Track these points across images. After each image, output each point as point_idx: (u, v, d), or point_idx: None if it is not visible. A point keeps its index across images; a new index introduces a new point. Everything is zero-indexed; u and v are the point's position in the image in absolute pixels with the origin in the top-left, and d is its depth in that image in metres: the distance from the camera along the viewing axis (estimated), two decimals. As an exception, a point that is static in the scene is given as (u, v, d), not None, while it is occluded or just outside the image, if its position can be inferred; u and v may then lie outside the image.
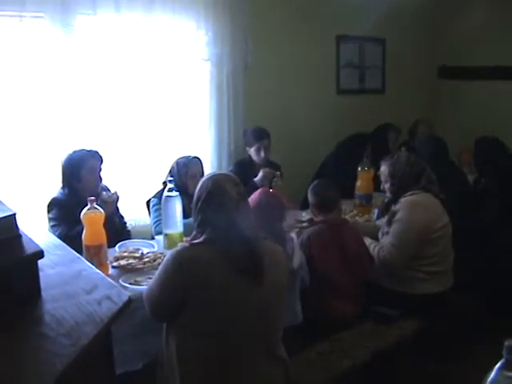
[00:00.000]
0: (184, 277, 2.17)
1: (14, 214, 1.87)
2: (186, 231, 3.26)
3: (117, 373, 2.28)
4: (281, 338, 2.37)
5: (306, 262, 3.10)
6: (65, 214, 3.40)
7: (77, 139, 3.96)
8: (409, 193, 3.43)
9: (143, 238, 3.63)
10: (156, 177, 4.18)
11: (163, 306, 2.29)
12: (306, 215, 3.72)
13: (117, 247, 3.29)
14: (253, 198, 2.91)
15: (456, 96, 6.31)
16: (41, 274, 1.86)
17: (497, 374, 1.17)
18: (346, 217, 3.80)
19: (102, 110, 4.19)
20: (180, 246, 2.33)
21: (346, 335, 3.15)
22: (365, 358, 2.98)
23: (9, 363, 1.47)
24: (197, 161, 3.88)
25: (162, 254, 3.15)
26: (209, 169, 4.53)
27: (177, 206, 3.28)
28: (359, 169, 4.33)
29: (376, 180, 3.90)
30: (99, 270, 2.24)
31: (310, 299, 3.13)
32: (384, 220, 3.57)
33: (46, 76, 3.87)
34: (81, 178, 3.52)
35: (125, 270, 2.98)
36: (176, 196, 3.28)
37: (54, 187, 3.67)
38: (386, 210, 3.65)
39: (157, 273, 2.30)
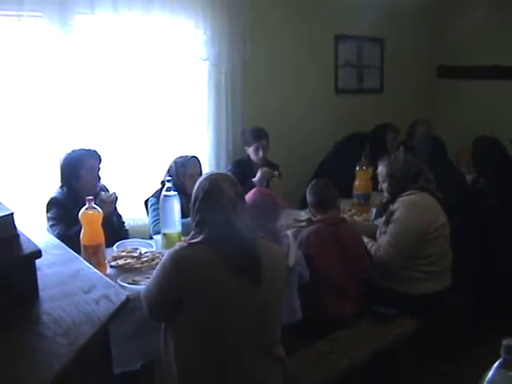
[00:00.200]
0: (181, 276, 2.17)
1: (12, 214, 1.87)
2: (184, 231, 3.27)
3: (115, 372, 2.27)
4: (279, 338, 2.37)
5: (303, 259, 3.10)
6: (63, 214, 3.40)
7: (75, 139, 3.96)
8: (406, 193, 3.43)
9: (141, 238, 3.64)
10: (154, 176, 4.18)
11: (161, 305, 2.28)
12: (304, 215, 3.73)
13: (115, 247, 3.29)
14: (247, 197, 2.91)
15: (455, 96, 6.31)
16: (38, 273, 1.85)
17: (495, 374, 1.17)
18: (345, 216, 3.80)
19: (100, 109, 4.19)
20: (178, 245, 2.33)
21: (345, 334, 3.15)
22: (364, 358, 2.98)
23: (6, 363, 1.47)
24: (195, 160, 3.88)
25: (160, 253, 3.15)
26: (207, 168, 4.52)
27: (175, 206, 3.28)
28: (357, 168, 4.33)
29: (374, 179, 3.90)
30: (97, 269, 2.24)
31: (309, 298, 3.12)
32: (382, 220, 3.57)
33: (45, 75, 3.87)
34: (79, 177, 3.51)
35: (123, 270, 2.98)
36: (174, 195, 3.28)
37: (52, 186, 3.66)
38: (383, 209, 3.65)
39: (154, 272, 2.29)
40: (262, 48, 4.86)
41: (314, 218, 3.42)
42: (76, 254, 2.28)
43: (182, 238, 3.24)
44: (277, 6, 5.00)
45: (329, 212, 3.35)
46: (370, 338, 3.13)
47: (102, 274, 2.10)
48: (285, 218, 3.57)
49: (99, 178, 3.62)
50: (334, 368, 2.87)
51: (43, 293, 1.83)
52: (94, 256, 2.86)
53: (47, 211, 3.47)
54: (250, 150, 4.48)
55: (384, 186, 3.59)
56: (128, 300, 1.86)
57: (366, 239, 3.49)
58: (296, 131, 5.20)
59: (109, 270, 2.98)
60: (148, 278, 2.67)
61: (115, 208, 3.66)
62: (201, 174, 3.69)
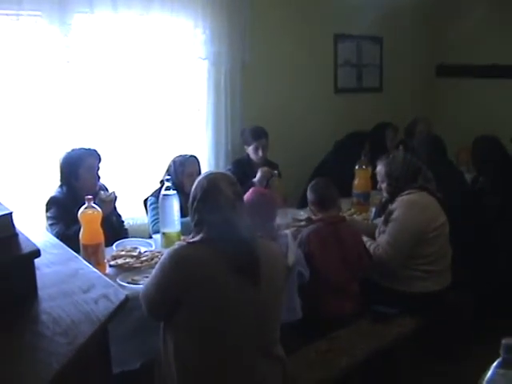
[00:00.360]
0: (180, 275, 2.17)
1: (11, 213, 1.87)
2: (184, 230, 3.27)
3: (115, 372, 2.27)
4: (278, 337, 2.37)
5: (303, 258, 3.10)
6: (63, 213, 3.40)
7: (75, 138, 3.96)
8: (405, 192, 3.42)
9: (141, 237, 3.64)
10: (153, 175, 4.17)
11: (160, 304, 2.28)
12: (303, 214, 3.73)
13: (114, 246, 3.29)
14: (245, 197, 2.91)
15: (454, 95, 6.31)
16: (37, 272, 1.85)
17: (494, 373, 1.17)
18: (344, 215, 3.80)
19: (99, 108, 4.19)
20: (177, 244, 2.32)
21: (345, 333, 3.14)
22: (364, 357, 2.98)
23: (5, 362, 1.46)
24: (193, 159, 3.88)
25: (159, 252, 3.15)
26: (206, 168, 4.52)
27: (174, 205, 3.27)
28: (357, 167, 4.32)
29: (374, 178, 3.89)
30: (96, 269, 2.23)
31: (309, 297, 3.12)
32: (381, 219, 3.57)
33: (44, 75, 3.87)
34: (79, 176, 3.51)
35: (122, 269, 2.98)
36: (173, 195, 3.28)
37: (52, 186, 3.66)
38: (383, 209, 3.64)
39: (153, 271, 2.29)
40: (262, 47, 4.86)
41: (314, 217, 3.42)
42: (75, 254, 2.27)
43: (182, 237, 3.24)
44: (276, 6, 5.00)
45: (329, 211, 3.35)
46: (369, 337, 3.13)
47: (101, 274, 2.09)
48: (284, 218, 3.58)
49: (99, 178, 3.62)
50: (333, 367, 2.86)
51: (42, 292, 1.82)
52: (93, 255, 2.85)
53: (46, 210, 3.47)
54: (250, 150, 4.47)
55: (383, 185, 3.58)
56: (127, 299, 1.85)
57: (365, 238, 3.48)
58: (295, 130, 5.20)
59: (108, 270, 2.98)
60: (147, 277, 2.66)
61: (114, 207, 3.66)
62: (199, 173, 3.68)
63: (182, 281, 2.17)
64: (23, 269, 1.80)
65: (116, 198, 3.51)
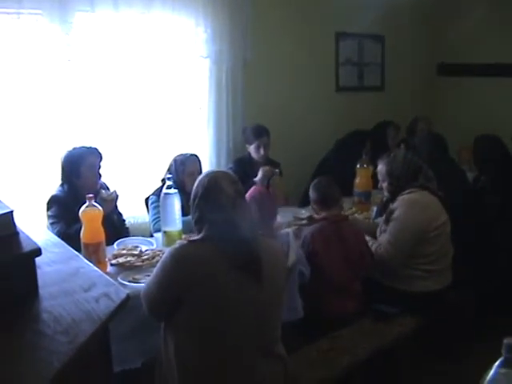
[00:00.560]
0: (181, 274, 2.17)
1: (12, 212, 1.87)
2: (185, 228, 3.27)
3: (116, 370, 2.28)
4: (279, 336, 2.36)
5: (304, 257, 3.10)
6: (64, 212, 3.40)
7: (76, 136, 3.96)
8: (406, 191, 3.42)
9: (142, 236, 3.63)
10: (155, 174, 4.17)
11: (160, 303, 2.28)
12: (305, 212, 3.72)
13: (115, 245, 3.29)
14: (246, 195, 2.91)
15: (455, 93, 6.31)
16: (38, 271, 1.85)
17: (496, 373, 1.17)
18: (346, 214, 3.80)
19: (101, 107, 4.19)
20: (178, 243, 2.32)
21: (347, 333, 3.14)
22: (365, 356, 2.97)
23: (6, 361, 1.46)
24: (194, 158, 3.87)
25: (160, 251, 3.15)
26: (207, 166, 4.52)
27: (175, 204, 3.27)
28: (358, 166, 4.32)
29: (375, 177, 3.89)
30: (98, 267, 2.23)
31: (311, 296, 3.12)
32: (382, 218, 3.57)
33: (45, 73, 3.87)
34: (80, 174, 3.51)
35: (123, 268, 2.98)
36: (175, 193, 3.28)
37: (53, 184, 3.66)
38: (384, 208, 3.64)
39: (155, 270, 2.29)
40: (263, 46, 4.85)
41: (316, 216, 3.42)
42: (76, 252, 2.27)
43: (183, 236, 3.24)
44: (278, 4, 5.00)
45: (331, 209, 3.35)
46: (370, 336, 3.13)
47: (102, 272, 2.09)
48: (285, 216, 3.58)
49: (100, 176, 3.62)
50: (335, 366, 2.86)
51: (43, 291, 1.82)
52: (94, 254, 2.85)
53: (47, 209, 3.47)
54: (251, 148, 4.47)
55: (384, 184, 3.58)
56: (128, 298, 1.85)
57: (367, 237, 3.48)
58: (297, 129, 5.19)
59: (109, 268, 2.98)
60: (149, 275, 2.66)
61: (116, 206, 3.66)
62: (200, 172, 3.68)
63: (183, 279, 2.16)
64: (24, 267, 1.79)
65: (117, 196, 3.50)
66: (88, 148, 3.59)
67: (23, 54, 3.74)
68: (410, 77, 6.29)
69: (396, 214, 3.38)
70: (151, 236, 3.61)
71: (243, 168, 4.32)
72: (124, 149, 4.34)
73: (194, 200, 2.31)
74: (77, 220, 3.01)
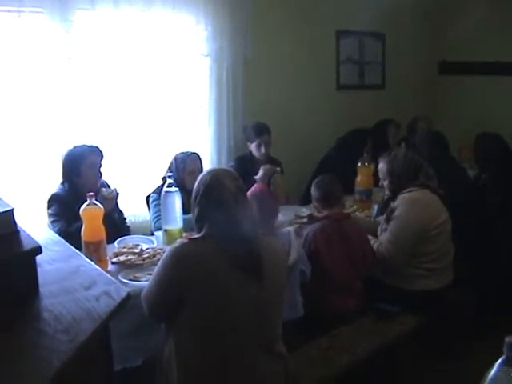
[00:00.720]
0: (182, 273, 2.16)
1: (12, 210, 1.86)
2: (186, 227, 3.26)
3: (117, 369, 2.28)
4: (280, 334, 2.36)
5: (305, 255, 3.10)
6: (64, 210, 3.39)
7: (77, 135, 3.96)
8: (407, 189, 3.42)
9: (143, 234, 3.63)
10: (156, 172, 4.17)
11: (161, 304, 2.27)
12: (306, 211, 3.71)
13: (116, 243, 3.28)
14: (248, 193, 2.90)
15: (456, 92, 6.30)
16: (39, 269, 1.85)
17: (497, 371, 1.16)
18: (348, 212, 3.79)
19: (101, 105, 4.19)
20: (178, 242, 2.31)
21: (347, 331, 3.14)
22: (365, 355, 2.97)
23: (6, 360, 1.46)
24: (195, 156, 3.87)
25: (161, 249, 3.14)
26: (208, 164, 4.52)
27: (176, 202, 3.27)
28: (359, 164, 4.32)
29: (376, 175, 3.89)
30: (98, 266, 2.23)
31: (313, 294, 3.13)
32: (383, 217, 3.56)
33: (45, 71, 3.86)
34: (81, 173, 3.51)
35: (124, 266, 2.98)
36: (175, 191, 3.27)
37: (53, 183, 3.66)
38: (385, 207, 3.64)
39: (155, 270, 2.28)
40: (264, 44, 4.85)
41: (318, 214, 3.41)
42: (77, 251, 2.27)
43: (184, 234, 3.24)
44: (278, 2, 5.00)
45: (334, 208, 3.35)
46: (371, 335, 3.13)
47: (102, 271, 2.09)
48: (286, 215, 3.57)
49: (101, 175, 3.61)
50: (334, 365, 2.86)
51: (43, 289, 1.82)
52: (94, 252, 2.85)
53: (48, 207, 3.47)
54: (253, 146, 4.46)
55: (385, 183, 3.58)
56: (129, 297, 1.85)
57: (368, 236, 3.48)
58: (297, 127, 5.19)
59: (110, 267, 2.97)
60: (149, 274, 2.66)
61: (117, 204, 3.66)
62: (201, 170, 3.68)
63: (184, 278, 2.16)
64: (24, 266, 1.79)
65: (118, 194, 3.50)
66: (89, 146, 3.59)
67: (24, 53, 3.73)
68: (411, 75, 6.28)
69: (397, 212, 3.38)
70: (152, 234, 3.61)
71: (244, 166, 4.31)
72: (125, 147, 4.34)
73: (196, 198, 2.30)
74: (77, 218, 3.01)
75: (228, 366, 2.20)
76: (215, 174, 2.31)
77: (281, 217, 3.27)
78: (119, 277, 2.77)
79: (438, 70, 6.55)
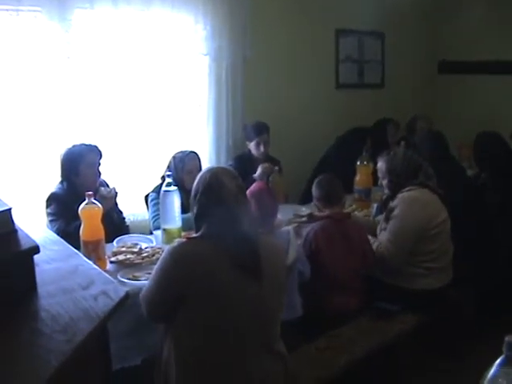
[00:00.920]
0: (181, 272, 2.15)
1: (10, 209, 1.86)
2: (185, 226, 3.26)
3: (116, 368, 2.27)
4: (279, 333, 2.36)
5: (304, 255, 3.09)
6: (63, 209, 3.39)
7: (76, 134, 3.95)
8: (406, 189, 3.41)
9: (142, 233, 3.63)
10: (155, 171, 4.16)
11: (159, 304, 2.26)
12: (305, 210, 3.71)
13: (115, 242, 3.28)
14: (247, 192, 2.90)
15: (456, 91, 6.30)
16: (37, 269, 1.84)
17: (497, 371, 1.16)
18: (349, 211, 3.79)
19: (100, 104, 4.18)
20: (177, 241, 2.31)
21: (346, 330, 3.13)
22: (363, 354, 2.97)
23: (3, 359, 1.46)
24: (194, 156, 3.86)
25: (160, 248, 3.14)
26: (207, 163, 4.51)
27: (175, 201, 3.26)
28: (358, 163, 4.31)
29: (375, 174, 3.88)
30: (97, 265, 2.23)
31: (314, 294, 3.12)
32: (382, 216, 3.56)
33: (44, 70, 3.86)
34: (79, 172, 3.50)
35: (123, 265, 2.97)
36: (174, 191, 3.27)
37: (52, 182, 3.65)
38: (384, 206, 3.63)
39: (154, 269, 2.27)
40: (263, 42, 4.84)
41: (319, 213, 3.40)
42: (75, 250, 2.26)
43: (182, 234, 3.23)
44: (277, 1, 4.99)
45: (335, 207, 3.34)
46: (369, 334, 3.11)
47: (100, 270, 2.08)
48: (285, 214, 3.57)
49: (99, 174, 3.61)
50: (334, 364, 2.85)
51: (41, 289, 1.82)
52: (93, 252, 2.84)
53: (47, 206, 3.46)
54: (252, 145, 4.46)
55: (384, 182, 3.57)
56: (127, 296, 1.84)
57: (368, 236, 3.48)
58: (296, 126, 5.19)
59: (109, 266, 2.97)
60: (148, 273, 2.66)
61: (116, 204, 3.66)
62: (200, 169, 3.66)
63: (182, 278, 2.15)
64: (22, 265, 1.79)
65: (117, 194, 3.50)
66: (88, 146, 3.58)
67: (22, 52, 3.73)
68: (411, 74, 6.28)
69: (396, 212, 3.37)
70: (151, 233, 3.60)
71: (243, 165, 4.30)
72: (124, 146, 4.33)
73: (195, 196, 2.30)
74: (76, 217, 3.00)
75: (229, 365, 2.19)
76: (214, 173, 2.30)
77: (280, 216, 3.26)
78: (118, 276, 2.77)
79: (438, 69, 6.55)
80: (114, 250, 3.14)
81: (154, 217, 3.67)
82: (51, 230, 3.19)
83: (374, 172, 3.92)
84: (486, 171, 4.45)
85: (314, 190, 3.43)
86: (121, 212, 3.86)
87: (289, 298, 2.85)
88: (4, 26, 3.65)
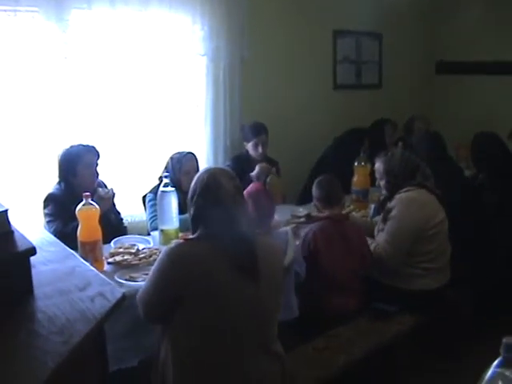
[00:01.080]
0: (178, 273, 2.15)
1: (6, 210, 1.85)
2: (182, 227, 3.25)
3: (113, 369, 2.27)
4: (276, 334, 2.35)
5: (301, 256, 3.09)
6: (60, 210, 3.39)
7: (73, 134, 3.94)
8: (404, 189, 3.41)
9: (139, 234, 3.62)
10: (152, 172, 4.15)
11: (156, 305, 2.26)
12: (302, 210, 3.70)
13: (112, 243, 3.27)
14: (244, 192, 2.89)
15: (454, 91, 6.30)
16: (33, 270, 1.84)
17: (494, 372, 1.16)
18: (347, 213, 3.79)
19: (97, 105, 4.17)
20: (174, 242, 2.30)
21: (344, 331, 3.14)
22: (361, 355, 2.97)
23: (0, 361, 1.45)
24: (191, 156, 3.86)
25: (157, 249, 3.13)
26: (204, 164, 4.51)
27: (172, 202, 3.26)
28: (356, 164, 4.31)
29: (373, 175, 3.89)
30: (94, 266, 2.23)
31: (312, 295, 3.12)
32: (380, 217, 3.56)
33: (41, 71, 3.85)
34: (77, 173, 3.50)
35: (120, 266, 2.96)
36: (172, 191, 3.26)
37: (50, 182, 3.64)
38: (381, 207, 3.63)
39: (151, 271, 2.27)
40: (260, 43, 4.84)
41: (318, 214, 3.40)
42: (72, 251, 2.26)
43: (180, 234, 3.23)
44: (275, 1, 4.99)
45: (334, 208, 3.34)
46: (367, 335, 3.12)
47: (97, 271, 2.08)
48: (283, 214, 3.57)
49: (97, 174, 3.60)
50: (332, 365, 2.86)
51: (38, 290, 1.81)
52: (91, 252, 2.84)
53: (44, 207, 3.46)
54: (249, 146, 4.45)
55: (381, 182, 3.58)
56: (123, 298, 1.84)
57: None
58: (294, 127, 5.18)
59: (106, 267, 2.96)
60: (146, 274, 2.65)
61: (114, 205, 3.65)
62: (197, 170, 3.65)
63: (179, 279, 2.15)
64: (19, 267, 1.78)
65: (114, 194, 3.50)
66: (85, 146, 3.57)
67: (20, 52, 3.72)
68: (408, 75, 6.29)
69: (393, 212, 3.37)
70: (148, 234, 3.60)
71: (241, 165, 4.30)
72: (121, 146, 4.32)
73: (192, 197, 2.29)
74: (74, 218, 3.00)
75: (226, 365, 2.19)
76: (212, 174, 2.30)
77: (277, 217, 3.25)
78: (115, 277, 2.77)
79: (436, 70, 6.56)
80: (112, 250, 3.13)
81: (151, 218, 3.66)
82: (48, 230, 3.19)
83: (372, 173, 3.92)
84: (483, 172, 4.45)
85: (315, 190, 3.43)
86: (119, 213, 3.86)
87: (285, 299, 2.85)
88: (1, 26, 3.64)
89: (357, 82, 5.98)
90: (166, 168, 3.81)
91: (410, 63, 6.28)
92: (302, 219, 3.49)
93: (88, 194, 2.92)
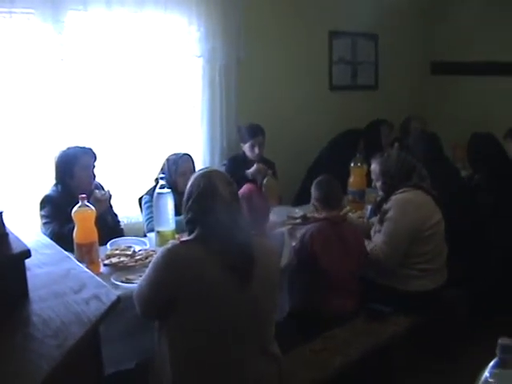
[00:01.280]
0: (173, 275, 2.15)
1: (1, 213, 1.85)
2: (178, 228, 3.25)
3: (110, 372, 2.26)
4: (273, 335, 2.35)
5: (294, 256, 3.10)
6: (57, 212, 3.38)
7: (70, 136, 3.93)
8: (400, 190, 3.41)
9: (136, 236, 3.61)
10: (149, 174, 4.15)
11: (152, 304, 2.27)
12: (299, 211, 3.71)
13: (108, 245, 3.26)
14: (239, 193, 2.89)
15: (449, 92, 6.30)
16: (28, 273, 1.83)
17: (490, 373, 1.16)
18: (344, 214, 3.78)
19: (94, 106, 4.16)
20: (170, 243, 2.30)
21: (340, 332, 3.13)
22: (358, 356, 2.97)
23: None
24: (187, 158, 3.85)
25: (153, 251, 3.12)
26: (201, 165, 4.49)
27: (168, 203, 3.25)
28: (352, 165, 4.31)
29: (369, 176, 3.88)
30: (90, 268, 2.22)
31: (310, 296, 3.12)
32: (376, 218, 3.56)
33: (37, 73, 3.84)
34: (74, 174, 3.49)
35: (116, 268, 2.95)
36: (168, 193, 3.26)
37: (47, 184, 3.64)
38: (378, 208, 3.63)
39: (147, 271, 2.28)
40: (257, 44, 4.84)
41: (316, 215, 3.39)
42: (68, 253, 2.25)
43: (176, 236, 3.22)
44: (271, 2, 4.98)
45: (333, 209, 3.33)
46: (364, 336, 3.12)
47: (93, 274, 2.08)
48: (279, 216, 3.57)
49: (94, 176, 3.60)
50: (328, 366, 2.85)
51: (33, 293, 1.81)
52: (87, 254, 2.84)
53: (41, 209, 3.45)
54: (246, 147, 4.45)
55: (378, 183, 3.58)
56: (119, 300, 1.84)
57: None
58: (290, 128, 5.18)
59: (102, 269, 2.95)
60: (141, 276, 2.64)
61: (110, 207, 3.65)
62: (193, 171, 3.64)
63: (172, 282, 2.15)
64: (13, 270, 1.78)
65: (111, 196, 3.49)
66: (82, 148, 3.57)
67: (15, 54, 3.71)
68: (404, 75, 6.29)
69: (390, 214, 3.37)
70: (145, 236, 3.59)
71: (237, 166, 4.30)
72: (118, 148, 4.32)
73: (188, 201, 2.28)
74: (70, 220, 2.99)
75: (223, 366, 2.20)
76: (208, 178, 2.27)
77: (273, 218, 3.25)
78: (111, 279, 2.76)
79: (431, 71, 6.56)
80: (108, 252, 3.12)
81: (147, 219, 3.65)
82: (45, 232, 3.19)
83: (368, 173, 3.92)
84: (479, 172, 4.45)
85: (314, 191, 3.42)
86: (116, 215, 3.85)
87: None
88: (-3, 28, 3.64)
89: (353, 83, 5.97)
90: (162, 169, 3.80)
91: (406, 64, 6.28)
92: (298, 220, 3.49)
93: (84, 195, 2.91)
